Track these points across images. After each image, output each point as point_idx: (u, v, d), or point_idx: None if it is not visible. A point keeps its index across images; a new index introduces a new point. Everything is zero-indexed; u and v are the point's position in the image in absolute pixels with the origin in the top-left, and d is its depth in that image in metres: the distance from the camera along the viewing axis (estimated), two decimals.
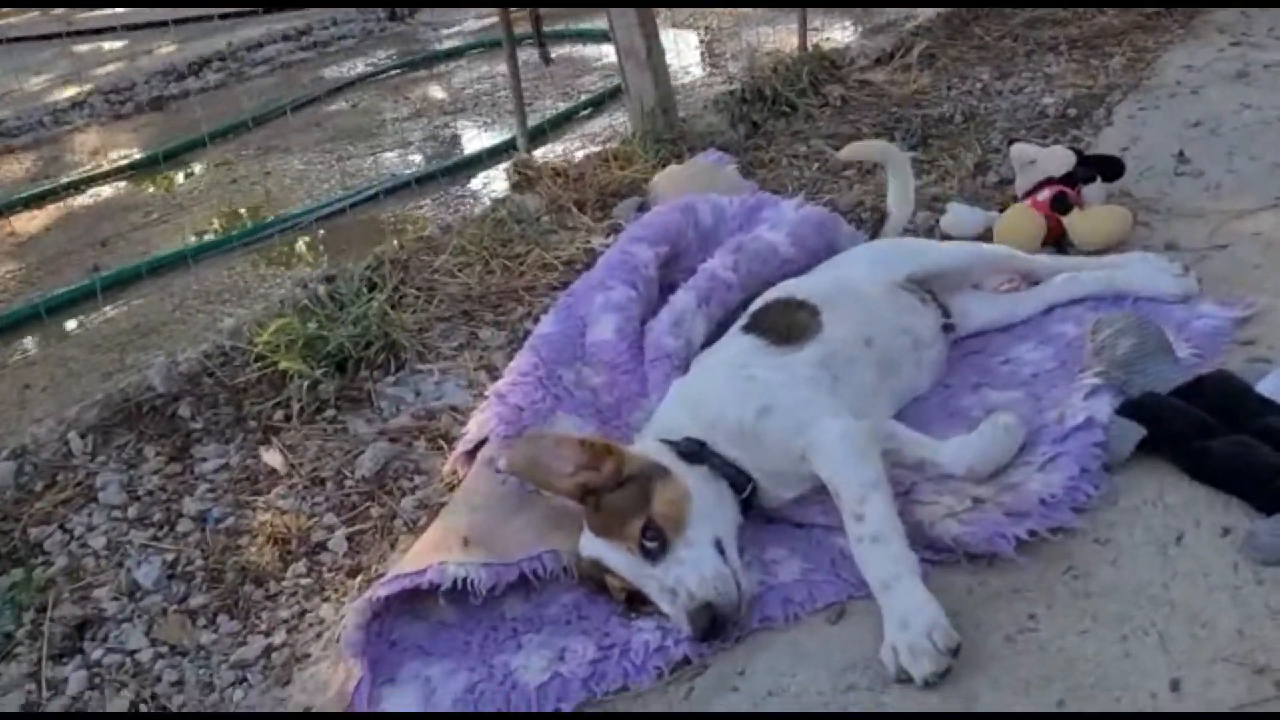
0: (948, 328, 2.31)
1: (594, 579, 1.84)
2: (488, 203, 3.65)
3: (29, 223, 4.50)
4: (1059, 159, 2.84)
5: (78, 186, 4.75)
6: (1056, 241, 2.66)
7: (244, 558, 2.11)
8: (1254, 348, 2.15)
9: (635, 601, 1.79)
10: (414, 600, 1.85)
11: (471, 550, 1.86)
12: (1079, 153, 2.88)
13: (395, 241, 3.20)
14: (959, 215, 2.83)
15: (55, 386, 2.96)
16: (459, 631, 1.83)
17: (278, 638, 1.93)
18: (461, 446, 2.21)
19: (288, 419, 2.48)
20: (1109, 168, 2.85)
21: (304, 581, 2.05)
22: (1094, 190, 2.77)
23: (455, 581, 1.79)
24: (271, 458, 2.37)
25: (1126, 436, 1.89)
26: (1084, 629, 1.61)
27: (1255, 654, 1.51)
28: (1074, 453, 1.86)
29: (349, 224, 3.94)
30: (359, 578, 2.03)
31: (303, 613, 1.98)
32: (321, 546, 2.13)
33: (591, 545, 1.83)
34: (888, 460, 1.86)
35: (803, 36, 4.53)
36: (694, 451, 1.88)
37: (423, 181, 4.14)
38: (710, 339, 2.33)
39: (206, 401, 2.56)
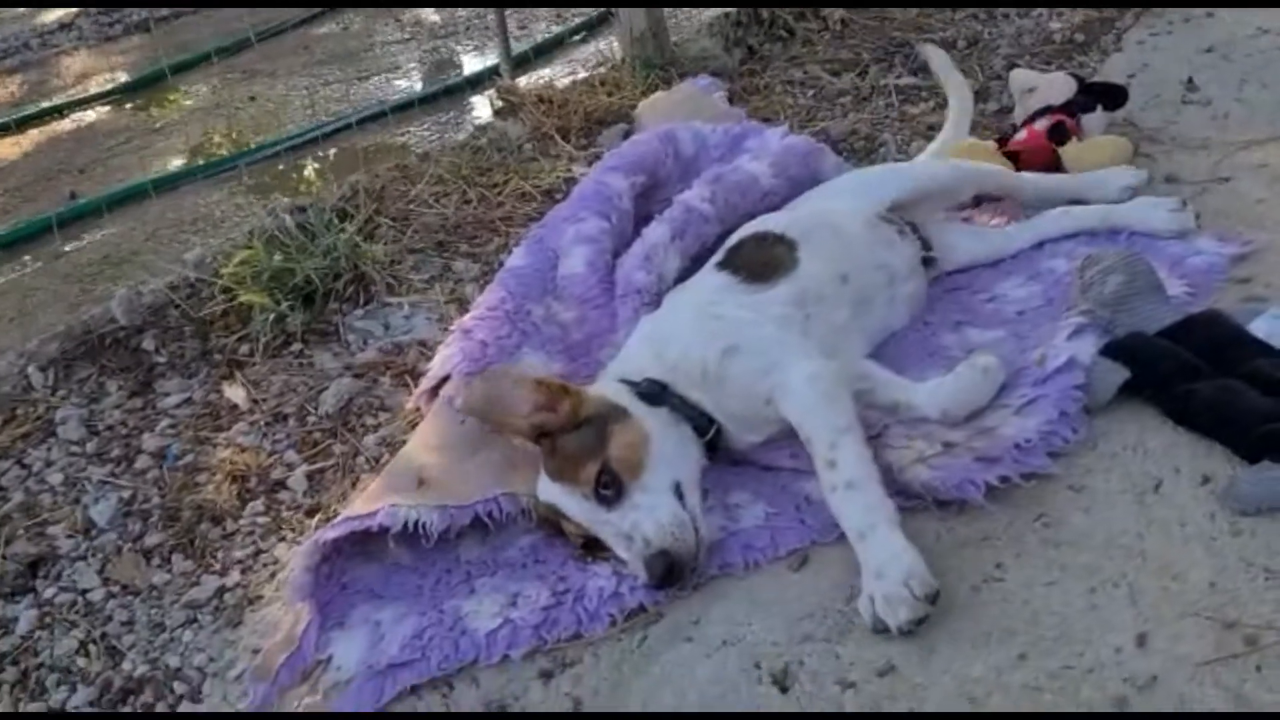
0: (928, 261, 2.22)
1: (551, 523, 1.79)
2: (470, 130, 3.53)
3: (11, 148, 4.41)
4: (1059, 86, 2.71)
5: (60, 111, 4.64)
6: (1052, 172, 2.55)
7: (201, 495, 2.06)
8: (1249, 286, 2.06)
9: (592, 546, 1.74)
10: (368, 541, 1.80)
11: (426, 492, 1.81)
12: (1081, 80, 2.75)
13: (370, 171, 3.09)
14: None
15: (21, 318, 2.89)
16: (412, 574, 1.79)
17: (231, 578, 1.89)
18: (425, 384, 2.15)
19: (252, 353, 2.42)
20: (1111, 96, 2.72)
21: (261, 520, 2.01)
22: (1094, 120, 2.65)
23: (407, 524, 1.74)
24: (234, 393, 2.31)
25: (1108, 379, 1.81)
26: (1052, 580, 1.55)
27: (1226, 608, 1.45)
28: (1053, 396, 1.79)
29: (331, 151, 3.84)
30: (317, 517, 1.99)
31: (258, 553, 1.94)
32: (281, 485, 2.08)
33: (548, 489, 1.77)
34: (860, 402, 1.79)
35: None
36: (655, 393, 1.81)
37: (403, 109, 4.01)
38: (687, 273, 2.24)
39: (171, 334, 2.49)
